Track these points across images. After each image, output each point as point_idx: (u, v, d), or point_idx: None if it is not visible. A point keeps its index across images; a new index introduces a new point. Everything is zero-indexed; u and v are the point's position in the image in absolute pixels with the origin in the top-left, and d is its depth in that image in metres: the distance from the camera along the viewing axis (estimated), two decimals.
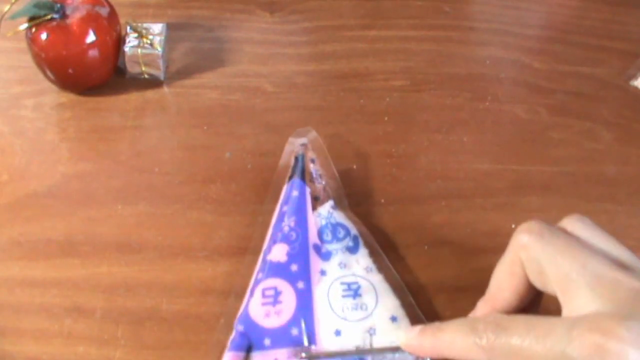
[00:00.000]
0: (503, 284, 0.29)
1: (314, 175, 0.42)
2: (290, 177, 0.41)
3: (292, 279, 0.36)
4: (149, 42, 0.49)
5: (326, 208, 0.40)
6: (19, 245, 0.40)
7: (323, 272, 0.37)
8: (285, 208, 0.39)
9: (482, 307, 0.31)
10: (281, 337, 0.34)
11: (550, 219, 0.46)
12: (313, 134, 0.44)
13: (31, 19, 0.46)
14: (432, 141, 0.48)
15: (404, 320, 0.35)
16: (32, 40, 0.46)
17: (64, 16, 0.46)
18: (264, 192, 0.42)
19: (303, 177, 0.41)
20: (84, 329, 0.36)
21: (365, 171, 0.45)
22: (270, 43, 0.56)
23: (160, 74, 0.51)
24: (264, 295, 0.36)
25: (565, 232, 0.28)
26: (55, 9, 0.46)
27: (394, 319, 0.35)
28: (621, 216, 0.44)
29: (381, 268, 0.38)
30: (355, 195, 0.43)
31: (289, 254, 0.37)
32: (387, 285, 0.37)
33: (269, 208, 0.41)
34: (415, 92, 0.52)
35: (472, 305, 0.38)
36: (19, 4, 0.46)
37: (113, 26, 0.48)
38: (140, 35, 0.49)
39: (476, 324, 0.27)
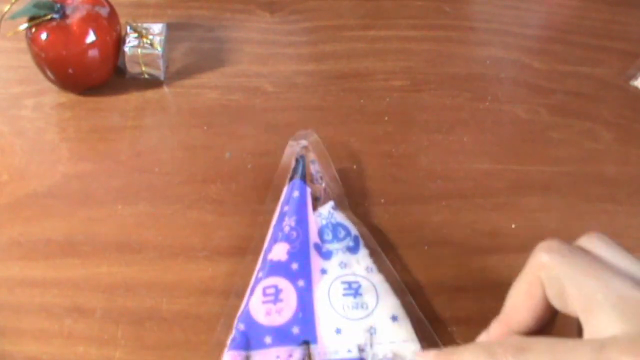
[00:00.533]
0: (520, 304, 0.28)
1: (315, 176, 0.42)
2: (291, 178, 0.41)
3: (292, 278, 0.36)
4: (149, 42, 0.49)
5: (327, 208, 0.40)
6: (19, 245, 0.40)
7: (324, 271, 0.37)
8: (286, 208, 0.39)
9: (497, 327, 0.29)
10: (282, 335, 0.34)
11: (550, 218, 0.46)
12: (313, 136, 0.44)
13: (31, 19, 0.46)
14: (432, 141, 0.48)
15: (404, 320, 0.35)
16: (32, 40, 0.46)
17: (64, 16, 0.46)
18: (264, 192, 0.42)
19: (304, 178, 0.41)
20: (84, 329, 0.36)
21: (365, 171, 0.45)
22: (270, 43, 0.56)
23: (160, 74, 0.51)
24: (264, 294, 0.36)
25: (585, 251, 0.27)
26: (55, 9, 0.46)
27: (394, 318, 0.35)
28: (621, 216, 0.44)
29: (381, 268, 0.38)
30: (355, 196, 0.43)
31: (289, 253, 0.37)
32: (388, 285, 0.37)
33: (269, 208, 0.41)
34: (415, 92, 0.52)
35: (472, 305, 0.38)
36: (19, 4, 0.46)
37: (113, 26, 0.48)
38: (140, 35, 0.49)
39: (494, 347, 0.25)
